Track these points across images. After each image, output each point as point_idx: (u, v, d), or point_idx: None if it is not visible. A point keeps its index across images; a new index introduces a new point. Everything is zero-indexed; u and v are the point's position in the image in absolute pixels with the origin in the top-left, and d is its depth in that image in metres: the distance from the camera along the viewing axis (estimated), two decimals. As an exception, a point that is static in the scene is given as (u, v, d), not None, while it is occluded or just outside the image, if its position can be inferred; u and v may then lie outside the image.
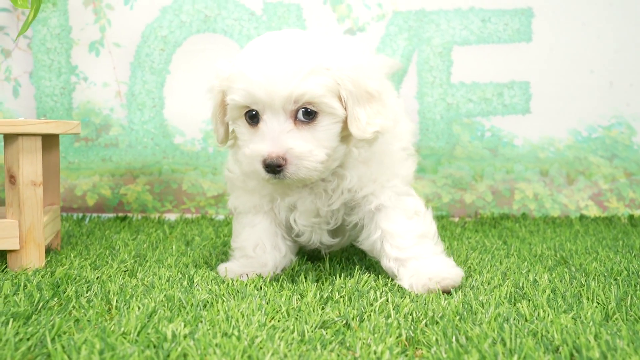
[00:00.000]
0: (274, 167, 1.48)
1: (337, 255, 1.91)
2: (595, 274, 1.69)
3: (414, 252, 1.63)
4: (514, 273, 1.72)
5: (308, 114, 1.50)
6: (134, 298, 1.45)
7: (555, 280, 1.63)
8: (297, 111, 1.49)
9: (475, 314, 1.36)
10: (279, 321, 1.32)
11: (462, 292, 1.52)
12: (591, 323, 1.29)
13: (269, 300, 1.44)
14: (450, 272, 1.59)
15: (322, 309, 1.40)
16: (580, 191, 2.70)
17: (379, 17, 2.63)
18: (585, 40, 2.65)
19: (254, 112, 1.52)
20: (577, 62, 2.66)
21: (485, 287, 1.58)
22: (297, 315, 1.35)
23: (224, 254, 1.91)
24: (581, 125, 2.69)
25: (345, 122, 1.53)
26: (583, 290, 1.54)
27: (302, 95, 1.47)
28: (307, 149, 1.49)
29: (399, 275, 1.62)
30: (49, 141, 2.03)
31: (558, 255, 1.94)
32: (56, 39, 2.61)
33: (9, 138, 1.77)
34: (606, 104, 2.67)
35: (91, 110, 2.63)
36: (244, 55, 1.53)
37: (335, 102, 1.50)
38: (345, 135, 1.56)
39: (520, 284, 1.59)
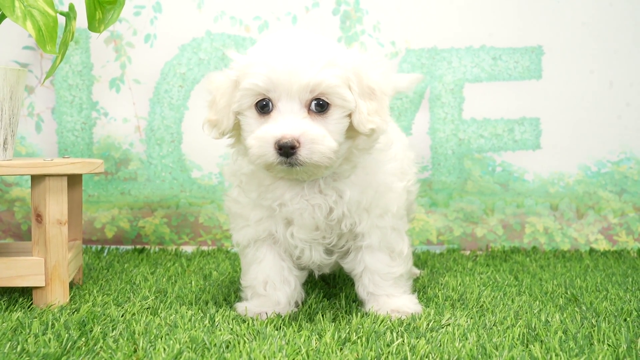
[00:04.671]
0: (287, 149, 1.50)
1: (352, 292, 1.95)
2: (606, 314, 1.73)
3: (388, 291, 1.79)
4: (526, 313, 1.76)
5: (320, 106, 1.56)
6: (159, 339, 1.50)
7: (567, 320, 1.68)
8: (311, 101, 1.56)
9: (490, 357, 1.40)
10: (299, 363, 1.37)
11: (476, 333, 1.56)
12: (602, 367, 1.33)
13: (289, 341, 1.49)
14: (410, 307, 1.77)
15: (341, 350, 1.45)
16: (589, 225, 2.75)
17: (392, 54, 2.70)
18: (593, 76, 2.71)
19: (265, 102, 1.57)
20: (586, 98, 2.71)
21: (498, 327, 1.62)
22: (317, 357, 1.40)
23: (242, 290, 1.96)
24: (590, 161, 2.74)
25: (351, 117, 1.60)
26: (594, 331, 1.58)
27: (319, 84, 1.54)
28: (322, 133, 1.54)
29: (367, 304, 1.80)
30: (73, 179, 2.09)
31: (569, 293, 1.98)
32: (78, 76, 2.68)
33: (36, 178, 1.83)
34: (615, 139, 2.72)
35: (111, 145, 2.69)
36: (261, 47, 1.60)
37: (348, 94, 1.57)
38: (348, 136, 1.63)
39: (533, 325, 1.63)
